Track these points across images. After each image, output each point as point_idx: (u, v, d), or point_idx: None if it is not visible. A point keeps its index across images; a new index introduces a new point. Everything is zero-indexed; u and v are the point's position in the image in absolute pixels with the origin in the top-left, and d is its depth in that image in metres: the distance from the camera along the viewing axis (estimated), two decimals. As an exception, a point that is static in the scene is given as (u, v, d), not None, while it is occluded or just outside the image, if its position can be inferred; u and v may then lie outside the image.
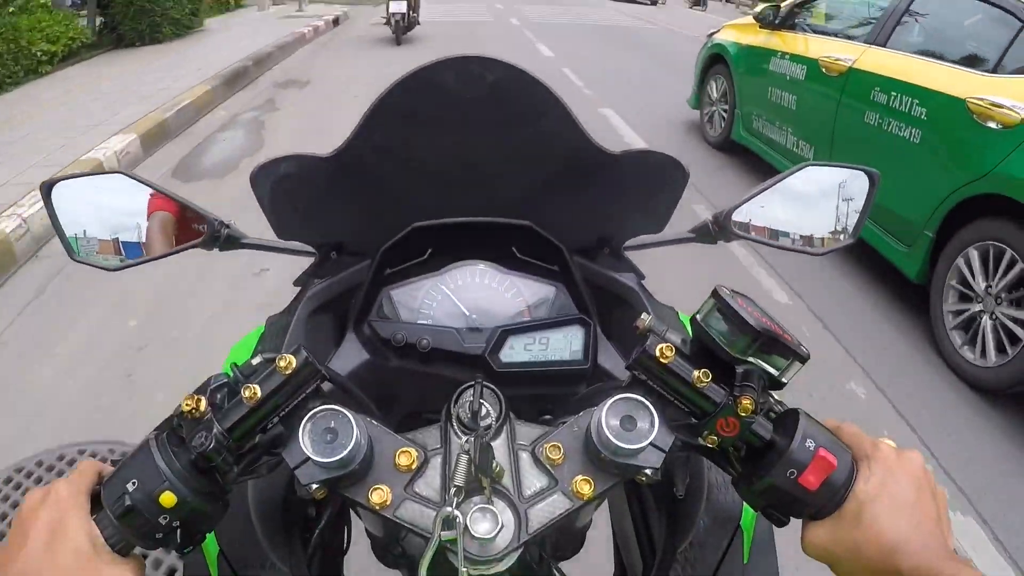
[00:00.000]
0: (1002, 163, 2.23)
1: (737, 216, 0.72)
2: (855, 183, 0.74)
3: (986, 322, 2.32)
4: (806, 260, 2.79)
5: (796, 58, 3.67)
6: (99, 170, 0.72)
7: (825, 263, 3.16)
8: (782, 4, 4.10)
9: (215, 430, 0.47)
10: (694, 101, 5.14)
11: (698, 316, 0.51)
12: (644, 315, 0.52)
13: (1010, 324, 2.23)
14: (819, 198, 0.74)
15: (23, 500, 0.48)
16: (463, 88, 0.63)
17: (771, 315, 0.51)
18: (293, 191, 0.69)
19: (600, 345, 0.73)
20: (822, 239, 0.75)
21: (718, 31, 4.88)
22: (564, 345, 0.72)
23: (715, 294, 0.50)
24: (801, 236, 0.75)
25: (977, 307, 2.37)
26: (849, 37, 3.45)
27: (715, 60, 4.74)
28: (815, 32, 3.84)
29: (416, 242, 0.74)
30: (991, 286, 2.31)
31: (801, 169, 0.73)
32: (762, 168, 4.04)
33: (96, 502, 0.47)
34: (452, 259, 0.75)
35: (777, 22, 4.05)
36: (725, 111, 4.61)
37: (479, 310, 0.73)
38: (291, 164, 0.67)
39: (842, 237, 0.75)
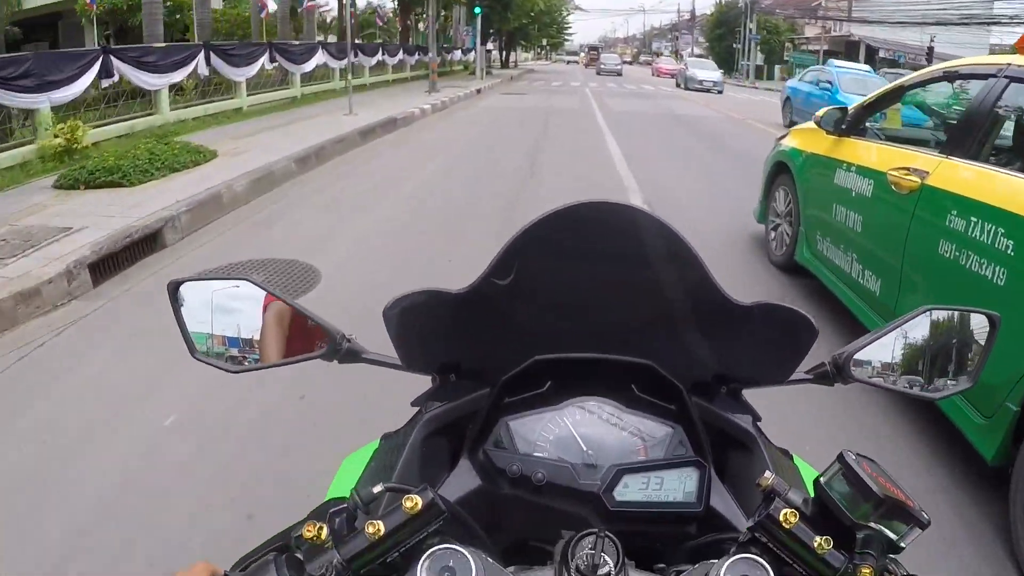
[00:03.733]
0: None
1: (857, 359, 0.73)
2: (975, 325, 0.75)
3: None
4: (876, 418, 2.53)
5: (863, 170, 3.17)
6: (224, 275, 0.77)
7: (890, 419, 2.56)
8: (849, 107, 3.63)
9: (335, 560, 0.49)
10: (760, 214, 4.69)
11: (822, 479, 0.52)
12: (768, 474, 0.54)
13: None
14: (938, 341, 0.74)
15: None
16: (598, 231, 0.70)
17: (895, 480, 0.52)
18: (422, 324, 0.75)
19: (713, 488, 0.73)
20: (940, 383, 0.74)
21: (785, 135, 4.52)
22: (678, 486, 0.72)
23: (840, 459, 0.52)
24: (919, 380, 0.74)
25: None
26: (924, 145, 3.02)
27: (781, 169, 4.33)
28: (887, 139, 3.37)
29: (537, 374, 0.77)
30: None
31: (921, 313, 0.73)
32: (828, 298, 3.39)
33: None
34: (571, 393, 0.77)
35: (844, 127, 3.53)
36: (791, 228, 4.14)
37: (595, 446, 0.74)
38: (422, 297, 0.73)
39: (960, 381, 0.75)
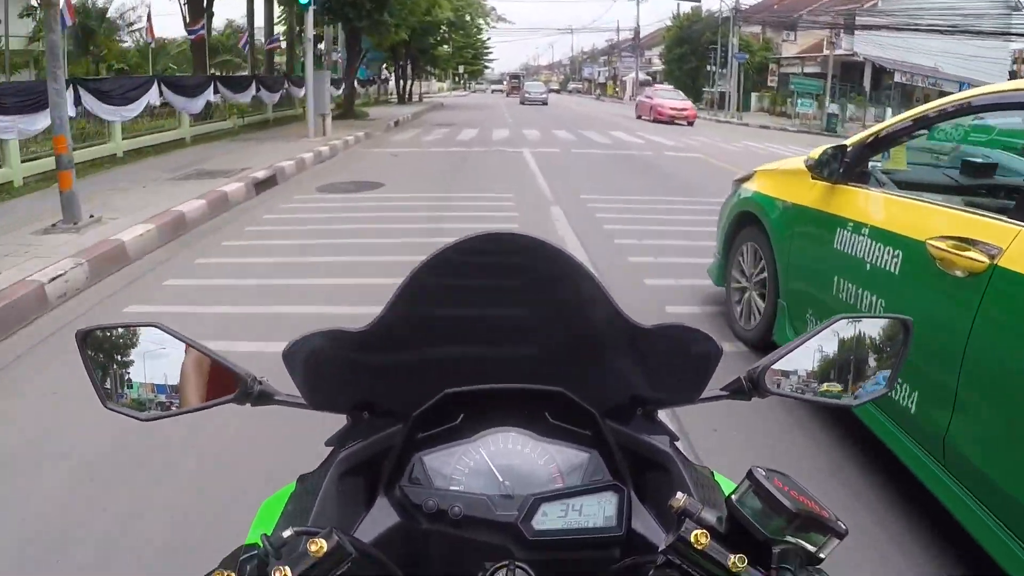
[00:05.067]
0: None
1: (772, 372, 1.03)
2: (888, 332, 1.07)
3: None
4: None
5: (884, 236, 2.96)
6: (133, 321, 0.98)
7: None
8: (847, 142, 3.53)
9: None
10: (716, 274, 5.00)
11: (733, 497, 0.71)
12: (679, 495, 0.75)
13: None
14: (854, 349, 1.05)
15: None
16: (496, 262, 0.98)
17: (808, 492, 0.71)
18: (325, 364, 1.01)
19: (634, 509, 0.99)
20: (857, 391, 1.05)
21: (748, 177, 4.69)
22: (597, 511, 0.97)
23: (750, 476, 0.71)
24: (836, 389, 1.05)
25: None
26: (974, 201, 2.86)
27: (746, 220, 4.47)
28: (908, 188, 3.27)
29: (449, 407, 1.03)
30: None
31: (834, 322, 1.04)
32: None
33: None
34: (485, 425, 1.04)
35: (842, 171, 3.45)
36: (763, 295, 4.24)
37: (512, 477, 1.00)
38: (323, 339, 0.99)
39: (877, 388, 1.06)
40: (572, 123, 26.58)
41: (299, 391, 1.01)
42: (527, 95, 47.17)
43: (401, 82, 40.04)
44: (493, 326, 1.03)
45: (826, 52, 32.08)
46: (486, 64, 66.76)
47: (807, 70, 35.78)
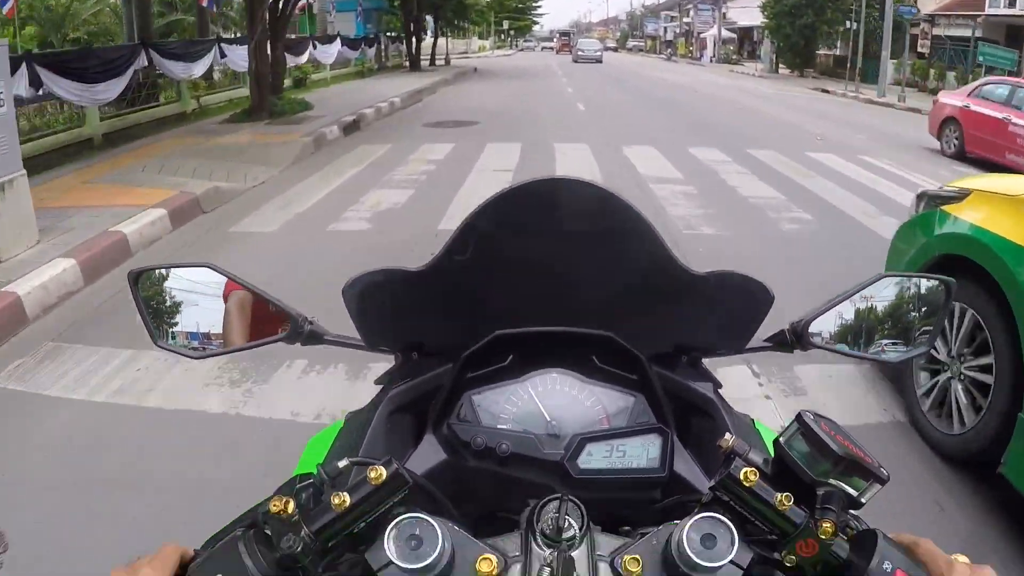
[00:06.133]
0: None
1: (814, 326, 1.33)
2: (930, 291, 1.37)
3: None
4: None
5: None
6: (186, 262, 1.24)
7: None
8: None
9: (303, 532, 0.84)
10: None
11: (781, 439, 0.91)
12: (728, 435, 0.93)
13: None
14: (895, 307, 1.37)
15: None
16: (554, 207, 1.27)
17: (853, 438, 0.90)
18: (381, 301, 1.32)
19: (676, 453, 1.28)
20: (898, 348, 1.36)
21: (952, 198, 4.25)
22: (641, 453, 1.25)
23: (799, 419, 0.90)
24: (877, 345, 1.36)
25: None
26: None
27: (954, 267, 3.83)
28: None
29: (499, 349, 1.33)
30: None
31: (878, 279, 1.35)
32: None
33: None
34: (534, 366, 1.33)
35: None
36: (978, 386, 3.73)
37: (558, 417, 1.29)
38: (380, 276, 1.30)
39: (917, 346, 1.37)
40: (719, 127, 18.63)
41: (355, 326, 1.32)
42: (580, 52, 51.96)
43: (413, 40, 36.23)
44: (546, 270, 1.32)
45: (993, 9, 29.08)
46: (534, 19, 67.59)
47: (949, 32, 33.27)
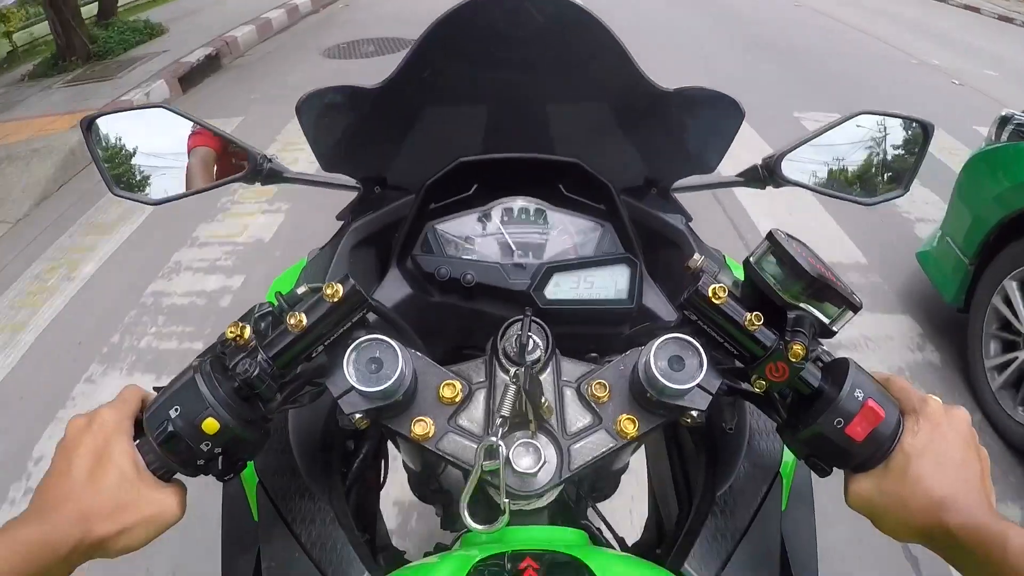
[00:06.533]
0: None
1: (788, 160, 1.30)
2: (908, 132, 1.34)
3: None
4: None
5: None
6: (141, 104, 1.26)
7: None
8: None
9: (259, 357, 0.83)
10: (948, 287, 3.81)
11: (751, 259, 0.87)
12: (696, 255, 0.90)
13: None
14: (872, 147, 1.34)
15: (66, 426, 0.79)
16: (515, 23, 1.19)
17: (825, 263, 0.88)
18: (339, 122, 1.27)
19: (645, 285, 1.27)
20: (874, 189, 1.34)
21: None
22: (609, 284, 1.25)
23: (770, 237, 0.86)
24: (853, 185, 1.34)
25: None
26: None
27: None
28: None
29: (462, 177, 1.30)
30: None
31: (855, 116, 1.31)
32: None
33: (139, 428, 0.83)
34: (499, 195, 1.30)
35: None
36: None
37: (524, 246, 1.28)
38: (337, 95, 1.23)
39: (893, 189, 1.34)
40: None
41: (311, 147, 1.26)
42: None
43: None
44: (510, 93, 1.26)
45: None
46: None
47: None
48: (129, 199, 1.29)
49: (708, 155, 1.33)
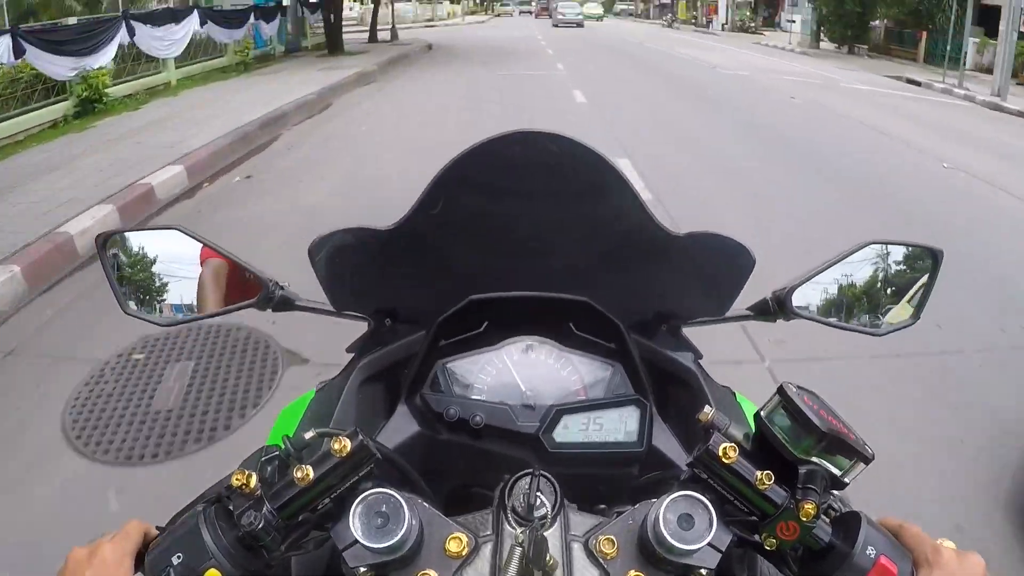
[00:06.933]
0: None
1: (798, 294, 1.30)
2: (918, 261, 1.34)
3: None
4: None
5: None
6: (154, 225, 1.28)
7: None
8: None
9: (265, 509, 0.83)
10: None
11: (762, 413, 0.87)
12: (707, 408, 0.90)
13: None
14: (881, 277, 1.34)
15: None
16: (528, 163, 1.22)
17: (837, 413, 0.87)
18: (350, 263, 1.28)
19: (655, 426, 1.26)
20: (884, 320, 1.34)
21: None
22: (619, 426, 1.24)
23: (781, 391, 0.86)
24: (863, 316, 1.33)
25: None
26: None
27: None
28: None
29: (473, 315, 1.30)
30: None
31: (865, 245, 1.31)
32: None
33: (139, 561, 0.82)
34: (509, 333, 1.30)
35: None
36: None
37: (534, 387, 1.27)
38: (348, 236, 1.25)
39: (904, 318, 1.33)
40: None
41: (323, 289, 1.28)
42: (560, 16, 53.03)
43: (329, 14, 23.36)
44: (521, 231, 1.28)
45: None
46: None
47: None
48: (141, 319, 1.29)
49: (718, 299, 1.34)
